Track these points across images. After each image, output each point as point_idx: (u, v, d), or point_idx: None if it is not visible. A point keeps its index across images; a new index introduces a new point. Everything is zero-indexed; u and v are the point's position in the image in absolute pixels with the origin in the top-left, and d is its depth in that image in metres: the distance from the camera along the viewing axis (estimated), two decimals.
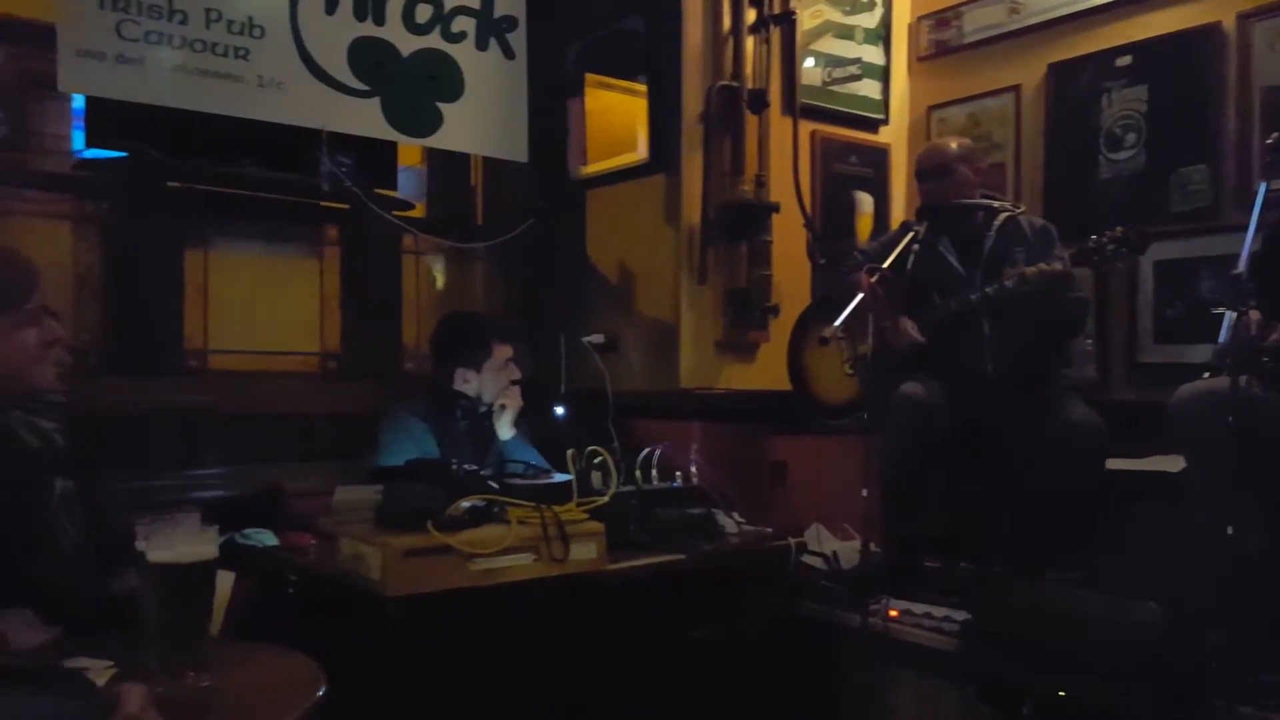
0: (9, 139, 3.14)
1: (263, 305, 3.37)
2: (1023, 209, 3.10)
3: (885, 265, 2.85)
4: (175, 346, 3.14)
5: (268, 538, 2.54)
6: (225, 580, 1.87)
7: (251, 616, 2.06)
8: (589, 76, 3.76)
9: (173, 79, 2.75)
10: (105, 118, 2.88)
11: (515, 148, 3.41)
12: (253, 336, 3.33)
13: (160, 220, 3.11)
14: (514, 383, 2.98)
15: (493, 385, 2.95)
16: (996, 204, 3.06)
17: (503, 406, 2.95)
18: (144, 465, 2.87)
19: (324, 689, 1.46)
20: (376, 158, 3.30)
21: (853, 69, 3.80)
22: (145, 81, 2.71)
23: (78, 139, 3.04)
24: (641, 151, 3.53)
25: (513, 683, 2.27)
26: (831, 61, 3.74)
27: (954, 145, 3.12)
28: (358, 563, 2.12)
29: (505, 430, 2.96)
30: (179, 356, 3.16)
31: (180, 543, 1.39)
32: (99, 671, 1.52)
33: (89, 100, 2.90)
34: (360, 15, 3.06)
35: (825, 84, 3.72)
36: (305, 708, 1.39)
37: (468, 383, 2.94)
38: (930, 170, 3.07)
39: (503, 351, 2.97)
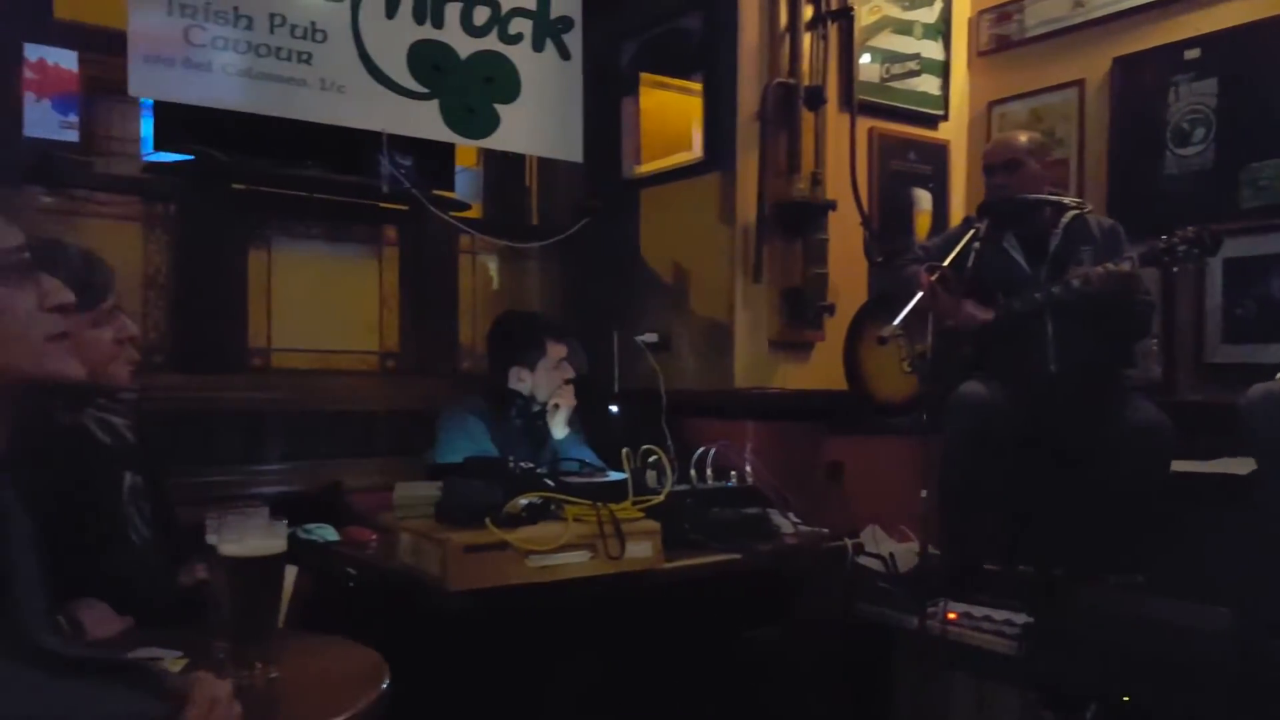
0: (80, 143, 3.23)
1: (324, 304, 3.43)
2: (1090, 208, 3.04)
3: (945, 263, 2.81)
4: (240, 345, 3.21)
5: (329, 533, 2.58)
6: (288, 574, 1.90)
7: (313, 610, 2.10)
8: (644, 76, 3.77)
9: (238, 83, 2.80)
10: (173, 121, 2.95)
11: (570, 148, 3.42)
12: (314, 335, 3.39)
13: (225, 221, 3.18)
14: (567, 382, 3.00)
15: (546, 384, 2.97)
16: (1067, 201, 3.01)
17: (556, 406, 2.97)
18: (210, 461, 2.94)
19: (388, 681, 1.48)
20: (435, 159, 3.34)
21: (911, 64, 3.76)
22: (211, 86, 2.76)
23: (146, 142, 3.12)
24: (696, 150, 3.53)
25: (568, 678, 2.29)
26: (890, 57, 3.71)
27: (1023, 139, 3.08)
28: (418, 558, 2.15)
29: (560, 429, 2.98)
30: (244, 354, 3.22)
31: (251, 536, 1.42)
32: (170, 662, 1.57)
33: (157, 104, 2.97)
34: (419, 18, 3.10)
35: (883, 80, 3.69)
36: (371, 699, 1.41)
37: (522, 381, 2.96)
38: (999, 165, 3.03)
39: (556, 351, 2.99)
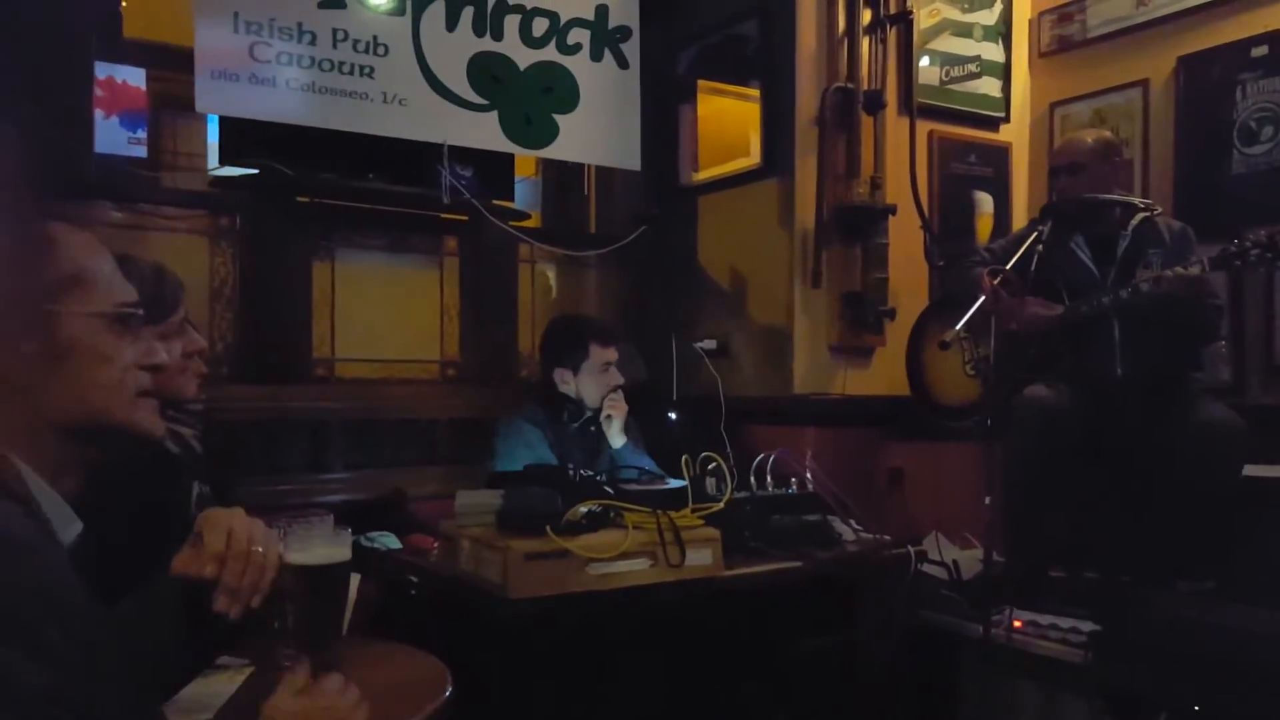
0: (148, 158, 3.32)
1: (386, 315, 3.48)
2: (1160, 210, 2.97)
3: (1009, 266, 2.77)
4: (305, 355, 3.26)
5: (391, 540, 2.61)
6: (352, 582, 1.92)
7: (377, 617, 2.13)
8: (701, 83, 3.77)
9: (302, 97, 2.86)
10: (238, 136, 3.01)
11: (628, 156, 3.44)
12: (377, 345, 3.43)
13: (289, 234, 3.23)
14: (615, 389, 2.96)
15: (591, 388, 2.93)
16: (1139, 202, 2.95)
17: (609, 417, 2.95)
18: (276, 470, 2.99)
19: (451, 688, 1.49)
20: (494, 170, 3.37)
21: (971, 67, 3.71)
22: (276, 100, 2.82)
23: (212, 157, 3.19)
24: (754, 156, 3.52)
25: (629, 685, 2.28)
26: (949, 60, 3.66)
27: (1090, 140, 3.03)
28: (480, 565, 2.16)
29: (616, 438, 2.96)
30: (308, 365, 3.27)
31: (317, 545, 1.43)
32: (236, 670, 1.59)
33: (222, 119, 3.03)
34: (479, 31, 3.13)
35: (943, 83, 3.64)
36: (434, 706, 1.42)
37: (566, 384, 2.94)
38: (1063, 167, 2.99)
39: (601, 355, 2.94)
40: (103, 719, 0.88)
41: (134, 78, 3.29)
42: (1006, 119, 3.82)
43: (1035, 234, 2.82)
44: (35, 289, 0.98)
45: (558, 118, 3.27)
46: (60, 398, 0.99)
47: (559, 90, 3.28)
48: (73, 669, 0.83)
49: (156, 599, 1.19)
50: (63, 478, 1.00)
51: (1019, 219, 3.71)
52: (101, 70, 3.03)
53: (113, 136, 3.22)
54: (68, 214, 1.08)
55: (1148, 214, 2.91)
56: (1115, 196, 2.95)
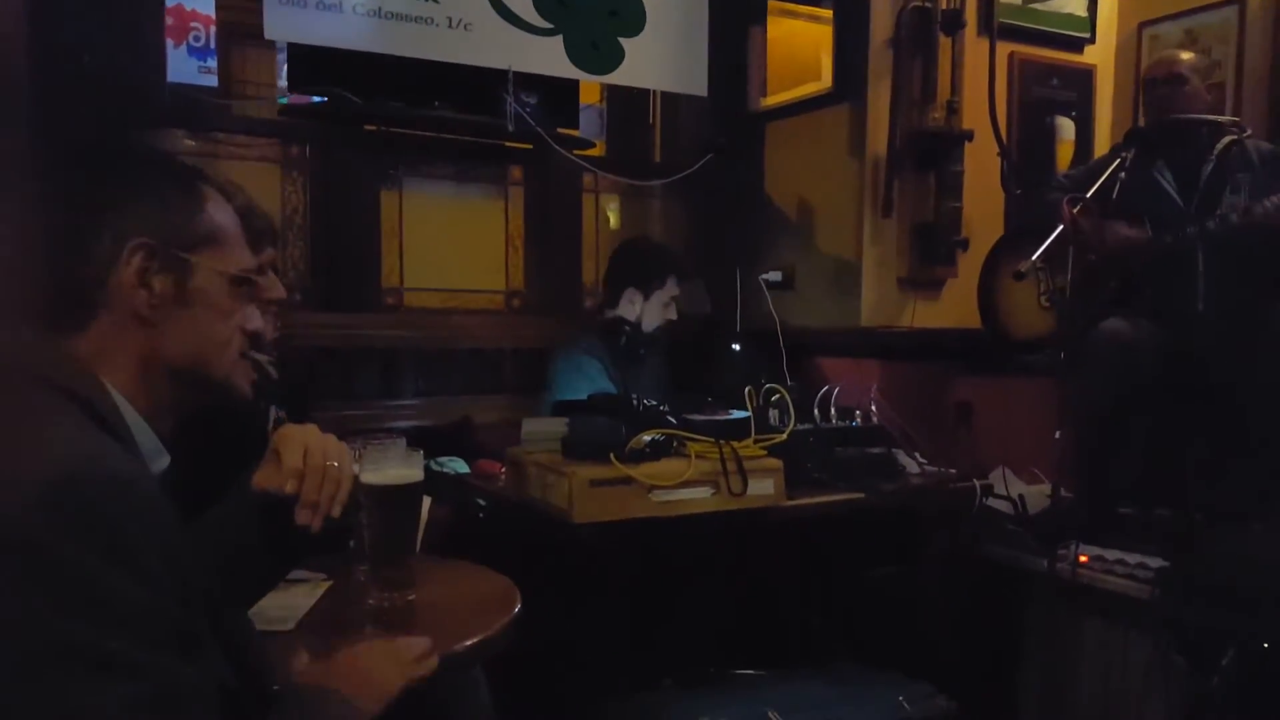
0: (220, 86, 3.35)
1: (452, 244, 3.50)
2: (1249, 132, 2.84)
3: (1089, 194, 2.68)
4: (374, 284, 3.30)
5: (460, 465, 2.66)
6: (423, 504, 1.97)
7: (448, 538, 2.18)
8: (771, 3, 3.67)
9: (368, 23, 2.85)
10: (306, 64, 3.02)
11: (695, 82, 3.37)
12: (443, 275, 3.46)
13: (358, 162, 3.25)
14: (670, 322, 3.05)
15: (653, 316, 3.02)
16: (1224, 121, 2.83)
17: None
18: (346, 396, 3.06)
19: (520, 605, 1.53)
20: (559, 97, 3.33)
21: None
22: (342, 26, 2.81)
23: (282, 85, 3.21)
24: (825, 80, 3.43)
25: (691, 609, 2.32)
26: None
27: (1186, 57, 2.95)
28: (546, 490, 2.20)
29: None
30: (377, 294, 3.32)
31: (390, 465, 1.47)
32: (315, 583, 1.65)
33: (291, 47, 3.04)
34: None
35: (1025, 1, 3.49)
36: (504, 622, 1.46)
37: (633, 304, 3.01)
38: (1161, 78, 2.89)
39: (673, 288, 3.04)
40: (199, 636, 0.93)
41: (204, 6, 3.32)
42: (1091, 40, 3.66)
43: (1118, 160, 2.72)
44: (181, 235, 1.06)
45: (623, 41, 3.22)
46: (176, 342, 1.06)
47: (625, 13, 3.22)
48: (170, 588, 0.89)
49: (238, 514, 1.24)
50: (159, 416, 1.06)
51: (1102, 146, 3.57)
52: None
53: (184, 66, 3.26)
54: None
55: (1236, 137, 2.78)
56: (1206, 116, 2.84)
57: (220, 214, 1.11)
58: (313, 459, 1.22)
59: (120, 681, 0.82)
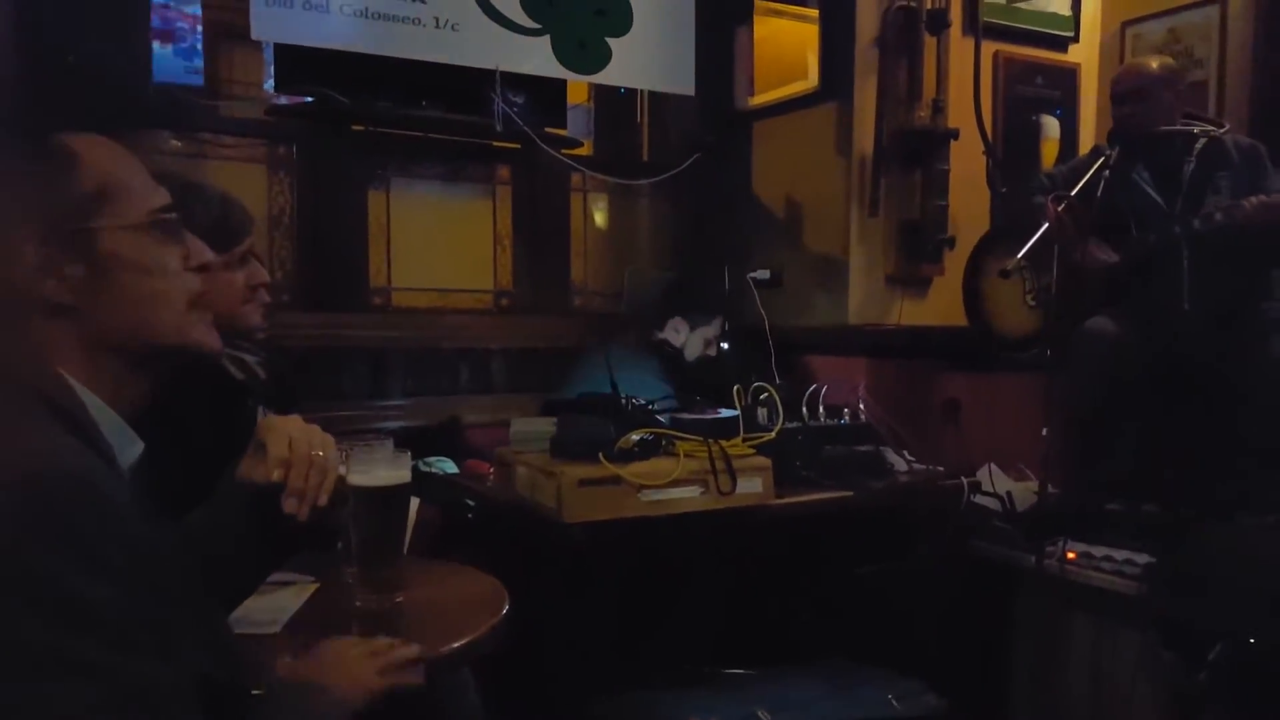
0: (206, 86, 3.34)
1: (440, 244, 3.50)
2: (1227, 128, 2.85)
3: (1073, 193, 2.70)
4: (361, 284, 3.30)
5: (448, 465, 2.66)
6: (411, 504, 1.97)
7: (436, 539, 2.18)
8: (758, 3, 3.69)
9: (355, 23, 2.84)
10: (294, 64, 3.00)
11: (682, 81, 3.38)
12: (431, 274, 3.46)
13: (345, 162, 3.25)
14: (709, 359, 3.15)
15: (695, 349, 3.12)
16: (1197, 128, 2.83)
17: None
18: (335, 396, 3.05)
19: (508, 606, 1.53)
20: (547, 97, 3.33)
21: None
22: (330, 27, 2.81)
23: (269, 85, 3.20)
24: (812, 79, 3.44)
25: (681, 609, 2.32)
26: None
27: (1154, 65, 2.90)
28: (535, 490, 2.20)
29: None
30: (365, 293, 3.32)
31: (378, 466, 1.47)
32: (303, 585, 1.65)
33: (278, 47, 3.03)
34: None
35: (1010, 1, 3.51)
36: (492, 623, 1.46)
37: (678, 333, 3.10)
38: (1127, 93, 2.86)
39: (718, 329, 3.16)
40: (173, 634, 0.91)
41: (190, 5, 3.31)
42: (1075, 39, 3.68)
43: (1102, 160, 2.73)
44: (66, 206, 0.96)
45: (611, 41, 3.22)
46: (111, 316, 0.98)
47: (612, 13, 3.22)
48: (138, 588, 0.86)
49: (225, 506, 1.23)
50: (123, 398, 0.99)
51: (1086, 144, 3.59)
52: None
53: (170, 65, 3.24)
54: (129, 143, 1.07)
55: (1214, 134, 2.79)
56: (1178, 127, 2.83)
57: (101, 162, 0.99)
58: (298, 448, 1.21)
59: (88, 684, 0.80)
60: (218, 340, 1.10)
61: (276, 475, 1.19)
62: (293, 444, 1.21)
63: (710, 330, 3.15)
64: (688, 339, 3.12)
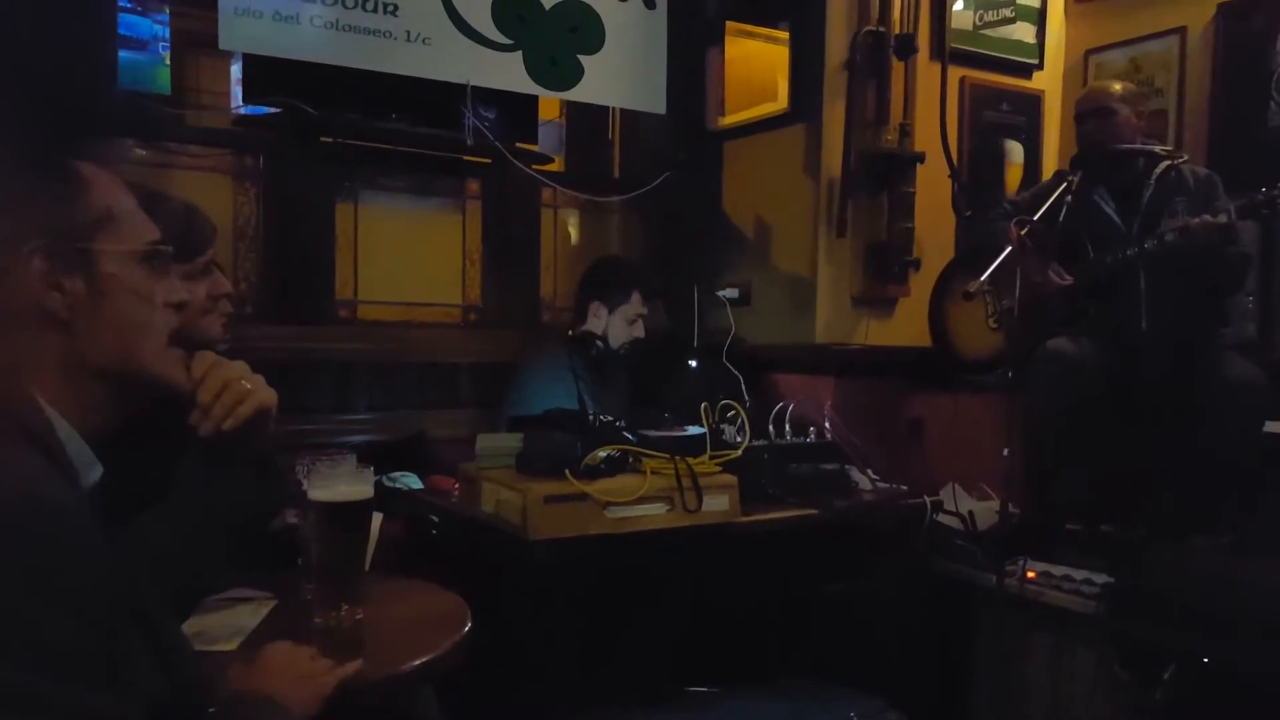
0: (172, 96, 3.31)
1: (408, 257, 3.48)
2: (1185, 158, 2.92)
3: (1035, 217, 2.74)
4: (328, 297, 3.27)
5: (413, 481, 2.64)
6: (374, 520, 1.95)
7: (399, 555, 2.16)
8: (730, 24, 3.71)
9: (325, 35, 2.83)
10: (262, 74, 2.98)
11: (654, 99, 3.40)
12: (399, 288, 3.44)
13: (313, 174, 3.22)
14: (637, 340, 3.06)
15: (618, 331, 3.02)
16: (1159, 150, 2.90)
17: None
18: (299, 410, 3.02)
19: (470, 624, 1.52)
20: (518, 112, 3.33)
21: (1006, 12, 3.62)
22: (299, 38, 2.80)
23: (236, 95, 3.18)
24: (782, 101, 3.47)
25: (646, 627, 2.31)
26: (983, 4, 3.57)
27: (1117, 87, 2.99)
28: (500, 507, 2.19)
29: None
30: (331, 306, 3.29)
31: (340, 482, 1.46)
32: (260, 602, 1.63)
33: (246, 58, 3.00)
34: None
35: (976, 28, 3.57)
36: (454, 641, 1.45)
37: (597, 318, 3.02)
38: (1090, 111, 2.94)
39: (639, 305, 3.04)
40: (127, 660, 0.91)
41: (158, 13, 3.27)
42: (1040, 66, 3.74)
43: (1064, 185, 2.78)
44: (73, 226, 1.00)
45: (583, 59, 3.24)
46: (97, 337, 1.01)
47: (584, 30, 3.23)
48: (96, 615, 0.86)
49: (178, 508, 1.27)
50: (89, 424, 1.02)
51: (1050, 169, 3.64)
52: (126, 5, 3.01)
53: (137, 74, 3.21)
54: (94, 152, 1.08)
55: (1172, 162, 2.86)
56: (1140, 146, 2.90)
57: (105, 190, 1.05)
58: (220, 369, 1.24)
59: (31, 716, 0.79)
60: (188, 377, 1.15)
61: (189, 384, 1.21)
62: (215, 365, 1.24)
63: (630, 308, 3.03)
64: (608, 323, 3.02)
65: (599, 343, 2.97)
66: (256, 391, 1.27)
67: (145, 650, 0.96)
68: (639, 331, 3.05)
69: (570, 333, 3.04)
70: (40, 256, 0.97)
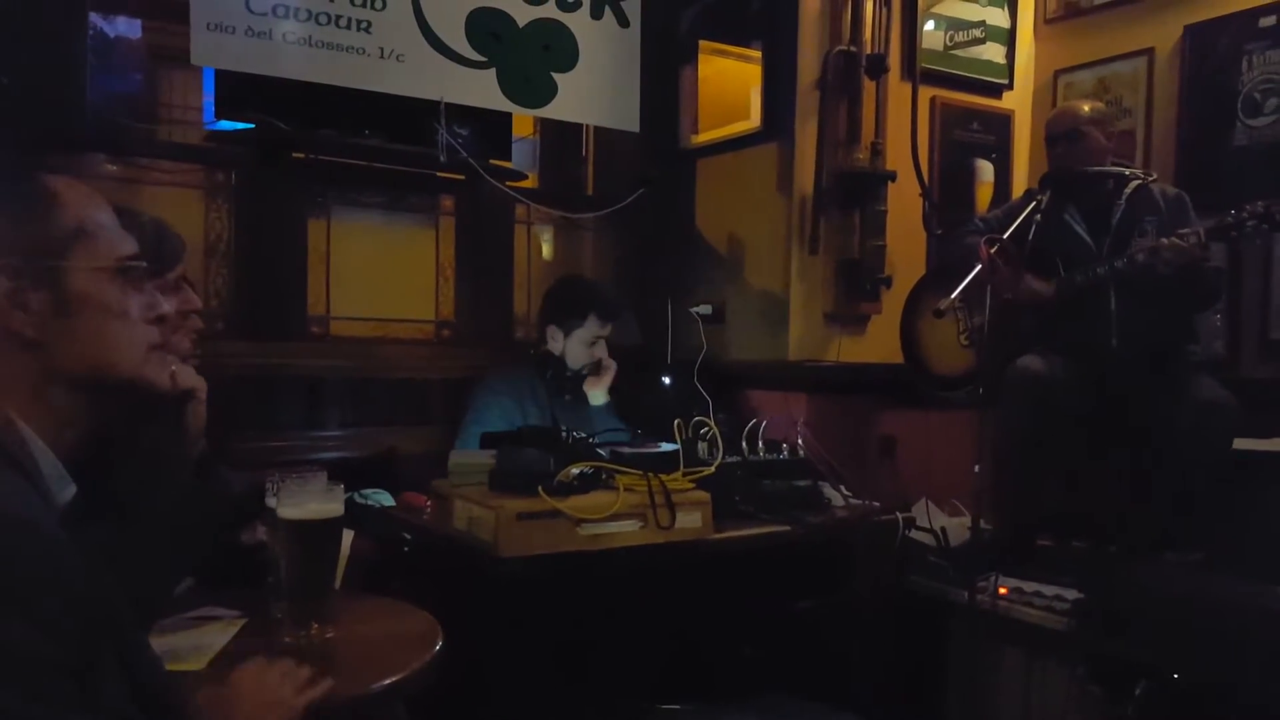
0: (143, 111, 3.28)
1: (381, 274, 3.47)
2: (1154, 177, 2.97)
3: (1006, 235, 2.77)
4: (300, 313, 3.25)
5: (385, 498, 2.62)
6: (345, 538, 1.94)
7: (370, 573, 2.14)
8: (703, 43, 3.73)
9: (298, 51, 2.82)
10: (234, 90, 2.96)
11: (627, 117, 3.41)
12: (371, 304, 3.43)
13: (285, 190, 3.21)
14: (599, 362, 3.01)
15: (577, 353, 2.98)
16: (1128, 172, 2.94)
17: (588, 377, 3.00)
18: (270, 426, 2.99)
19: (441, 643, 1.51)
20: (492, 128, 3.33)
21: (976, 32, 3.67)
22: (272, 54, 2.78)
23: (208, 111, 3.16)
24: (754, 119, 3.49)
25: (619, 644, 2.30)
26: (954, 24, 3.62)
27: (1086, 109, 3.03)
28: (472, 524, 2.18)
29: (597, 398, 3.00)
30: (303, 322, 3.27)
31: (310, 500, 1.45)
32: (230, 621, 1.61)
33: (218, 73, 2.99)
34: None
35: (947, 48, 3.61)
36: (425, 659, 1.44)
37: (554, 340, 2.99)
38: (1061, 134, 2.97)
39: (596, 328, 2.99)
40: (98, 679, 0.90)
41: (130, 28, 3.25)
42: (1010, 86, 3.79)
43: (1034, 204, 2.82)
44: (41, 243, 0.98)
45: (556, 76, 3.24)
46: (71, 353, 1.00)
47: (558, 48, 3.25)
48: (71, 635, 0.85)
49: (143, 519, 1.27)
50: (63, 441, 1.00)
51: (1020, 188, 3.69)
52: (96, 20, 2.98)
53: (107, 88, 3.18)
54: (64, 167, 1.08)
55: (1142, 181, 2.90)
56: (1110, 168, 2.94)
57: (78, 204, 1.02)
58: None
59: None
60: (169, 380, 1.13)
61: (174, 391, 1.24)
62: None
63: (586, 331, 2.97)
64: (565, 346, 2.99)
65: (553, 363, 2.94)
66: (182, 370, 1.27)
67: (119, 670, 0.95)
68: (600, 352, 3.01)
69: (532, 351, 3.04)
70: (5, 276, 0.95)
